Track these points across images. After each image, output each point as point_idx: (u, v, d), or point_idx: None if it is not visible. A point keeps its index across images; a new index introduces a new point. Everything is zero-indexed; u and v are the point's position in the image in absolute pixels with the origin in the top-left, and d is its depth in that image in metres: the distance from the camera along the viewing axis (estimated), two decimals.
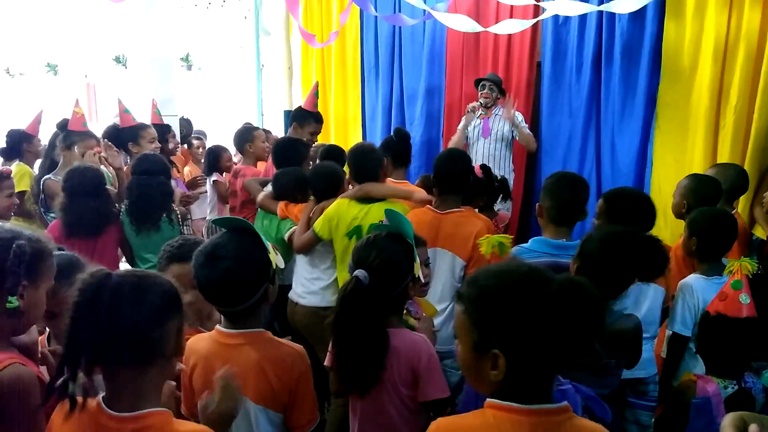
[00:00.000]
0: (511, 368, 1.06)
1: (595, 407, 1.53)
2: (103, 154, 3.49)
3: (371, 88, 5.62)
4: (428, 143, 5.20)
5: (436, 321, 2.36)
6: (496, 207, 3.56)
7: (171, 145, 4.35)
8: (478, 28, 4.20)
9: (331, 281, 2.88)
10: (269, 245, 1.62)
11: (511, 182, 4.33)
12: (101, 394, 1.20)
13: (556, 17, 4.28)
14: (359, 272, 1.70)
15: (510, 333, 1.06)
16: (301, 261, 3.00)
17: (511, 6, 4.49)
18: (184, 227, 3.35)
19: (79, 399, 1.16)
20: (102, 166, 3.43)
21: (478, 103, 4.53)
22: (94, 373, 1.16)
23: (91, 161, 3.48)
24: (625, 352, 1.77)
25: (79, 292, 1.15)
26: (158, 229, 3.14)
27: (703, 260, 2.37)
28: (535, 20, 4.23)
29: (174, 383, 1.57)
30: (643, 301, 2.28)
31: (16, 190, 3.20)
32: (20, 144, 4.16)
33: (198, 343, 1.63)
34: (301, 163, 3.39)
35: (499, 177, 3.69)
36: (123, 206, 3.21)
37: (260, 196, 3.28)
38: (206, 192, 4.39)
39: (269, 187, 3.29)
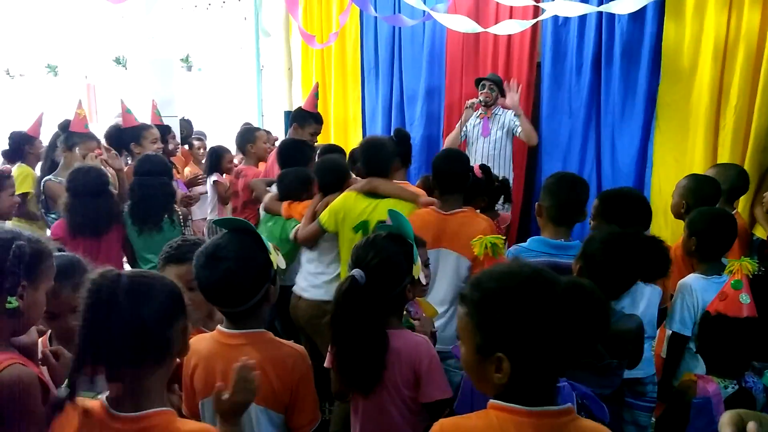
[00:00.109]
0: (515, 371, 1.05)
1: (593, 407, 1.53)
2: (103, 156, 3.49)
3: (371, 88, 5.61)
4: (428, 144, 5.19)
5: (440, 321, 2.36)
6: (497, 208, 3.56)
7: (171, 146, 4.37)
8: (478, 28, 4.20)
9: (334, 275, 2.87)
10: (270, 246, 1.63)
11: (510, 182, 4.31)
12: (104, 395, 1.20)
13: (555, 18, 4.27)
14: (356, 271, 1.70)
15: (514, 337, 1.04)
16: (305, 255, 3.00)
17: (511, 6, 4.48)
18: (186, 228, 3.36)
19: (82, 401, 1.16)
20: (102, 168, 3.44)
21: (478, 100, 4.49)
22: (99, 373, 1.16)
23: (92, 163, 3.48)
24: (627, 352, 1.76)
25: (92, 292, 1.15)
26: (160, 230, 3.15)
27: (703, 260, 2.37)
28: (534, 21, 4.22)
29: (176, 384, 1.57)
30: (640, 300, 2.27)
31: (19, 192, 3.21)
32: (22, 146, 4.17)
33: (199, 343, 1.63)
34: (306, 164, 3.38)
35: (500, 177, 3.68)
36: (125, 207, 3.21)
37: (264, 201, 3.29)
38: (206, 192, 4.40)
39: (274, 189, 3.29)
